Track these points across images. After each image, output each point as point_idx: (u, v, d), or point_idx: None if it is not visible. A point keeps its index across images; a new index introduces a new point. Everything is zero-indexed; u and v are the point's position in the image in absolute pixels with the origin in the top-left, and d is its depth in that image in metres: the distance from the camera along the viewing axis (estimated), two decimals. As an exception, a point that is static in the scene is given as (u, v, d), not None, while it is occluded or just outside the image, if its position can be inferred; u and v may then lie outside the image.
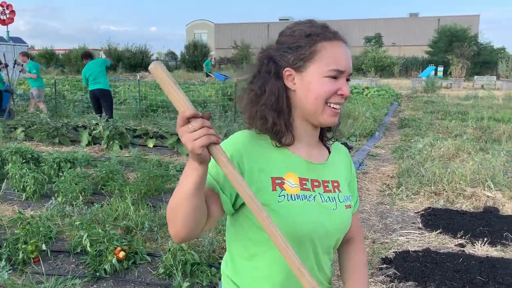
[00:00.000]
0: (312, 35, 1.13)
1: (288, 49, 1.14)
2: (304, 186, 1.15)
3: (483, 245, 3.92)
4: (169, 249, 3.34)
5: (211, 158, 0.96)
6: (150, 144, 7.98)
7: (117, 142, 7.70)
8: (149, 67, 0.93)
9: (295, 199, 1.12)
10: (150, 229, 4.04)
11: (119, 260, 3.32)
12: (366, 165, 6.78)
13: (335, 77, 1.12)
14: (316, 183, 1.18)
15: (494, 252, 3.81)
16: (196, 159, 0.94)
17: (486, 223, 4.39)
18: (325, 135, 1.28)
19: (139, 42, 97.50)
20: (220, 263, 3.39)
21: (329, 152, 1.28)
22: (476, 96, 18.19)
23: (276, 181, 1.13)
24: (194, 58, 43.65)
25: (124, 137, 7.89)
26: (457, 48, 34.06)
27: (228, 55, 45.77)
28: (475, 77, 27.69)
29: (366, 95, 17.74)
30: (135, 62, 41.64)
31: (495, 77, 27.54)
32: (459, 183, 5.39)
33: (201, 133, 0.90)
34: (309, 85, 1.12)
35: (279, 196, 1.11)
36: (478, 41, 39.72)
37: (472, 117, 11.07)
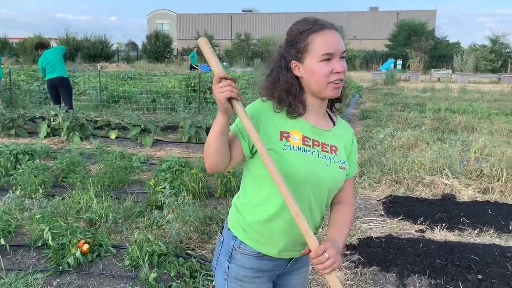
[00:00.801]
0: (304, 31, 1.43)
1: (291, 46, 1.47)
2: (306, 142, 1.47)
3: (442, 230, 4.08)
4: (135, 241, 3.29)
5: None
6: (113, 135, 7.80)
7: (77, 133, 7.48)
8: (198, 41, 1.42)
9: (296, 150, 1.44)
10: (114, 221, 3.96)
11: (83, 253, 3.24)
12: (330, 155, 6.89)
13: (328, 59, 1.41)
14: (316, 143, 1.49)
15: (451, 236, 3.98)
16: (222, 109, 1.33)
17: (444, 209, 4.57)
18: (334, 106, 1.61)
19: (99, 32, 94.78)
20: (187, 253, 3.38)
21: (334, 124, 1.58)
22: (433, 88, 18.82)
23: (284, 134, 1.45)
24: (156, 48, 42.76)
25: (85, 128, 7.67)
26: (415, 42, 35.02)
27: (191, 46, 45.18)
28: (432, 70, 28.62)
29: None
30: (94, 52, 40.42)
31: (450, 70, 28.56)
32: (419, 171, 5.59)
33: (227, 89, 1.31)
34: (310, 71, 1.43)
35: (284, 145, 1.44)
36: (435, 35, 41.00)
37: (430, 108, 11.45)
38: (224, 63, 34.16)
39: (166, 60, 42.13)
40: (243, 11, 57.78)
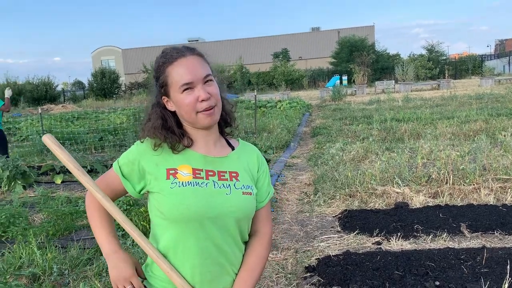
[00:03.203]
0: (161, 65, 1.38)
1: (156, 82, 1.40)
2: (197, 175, 1.37)
3: (398, 240, 4.10)
4: (81, 292, 3.06)
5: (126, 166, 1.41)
6: (58, 180, 7.44)
7: (19, 182, 7.07)
8: (42, 138, 1.40)
9: (186, 186, 1.34)
10: (60, 273, 3.70)
11: (24, 314, 2.98)
12: (284, 176, 6.88)
13: (190, 88, 1.33)
14: (210, 173, 1.39)
15: (408, 245, 4.00)
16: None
17: (398, 218, 4.61)
18: (223, 130, 1.51)
19: (42, 73, 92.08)
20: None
21: (233, 149, 1.48)
22: (378, 100, 19.48)
23: (170, 171, 1.36)
24: (102, 85, 41.99)
25: (27, 176, 7.27)
26: (357, 57, 36.40)
27: (139, 80, 44.69)
28: (376, 82, 29.74)
29: (279, 108, 18.22)
30: (38, 95, 39.14)
31: (393, 81, 29.78)
32: (370, 183, 5.65)
33: None
34: (177, 104, 1.37)
35: (171, 183, 1.34)
36: (376, 49, 42.78)
37: (377, 120, 11.77)
38: None
39: (114, 96, 41.44)
40: (188, 41, 58.05)
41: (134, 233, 1.35)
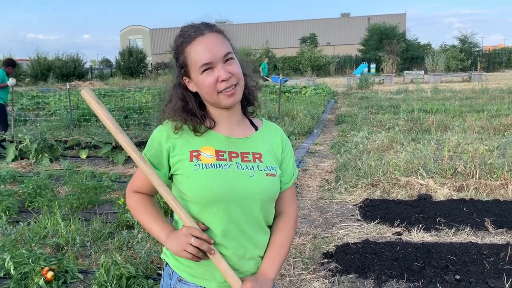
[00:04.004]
0: (179, 45, 1.33)
1: (176, 62, 1.37)
2: (220, 157, 1.34)
3: (419, 232, 4.04)
4: (102, 264, 3.13)
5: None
6: (83, 155, 7.59)
7: (46, 155, 7.24)
8: (81, 92, 1.35)
9: (209, 168, 1.31)
10: (82, 244, 3.80)
11: (48, 281, 3.07)
12: (306, 162, 6.85)
13: (210, 68, 1.29)
14: (234, 154, 1.36)
15: (429, 237, 3.94)
16: (177, 254, 1.30)
17: (421, 210, 4.54)
18: (246, 110, 1.46)
19: (71, 50, 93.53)
20: (158, 274, 3.25)
21: (257, 129, 1.45)
22: (406, 90, 19.08)
23: (193, 153, 1.33)
24: (129, 64, 42.40)
25: (54, 149, 7.44)
26: (387, 45, 35.64)
27: (165, 60, 44.93)
28: (405, 72, 29.07)
29: (304, 94, 18.06)
30: (67, 71, 39.80)
31: (423, 71, 29.07)
32: (394, 173, 5.57)
33: (196, 250, 1.26)
34: (198, 85, 1.33)
35: (194, 165, 1.31)
36: (406, 38, 41.78)
37: (404, 110, 11.56)
38: None
39: (140, 75, 41.81)
40: (216, 22, 57.78)
41: (169, 197, 1.31)
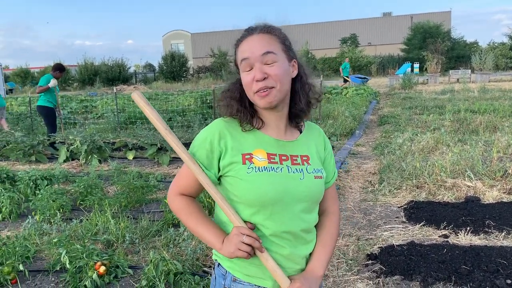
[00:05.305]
0: (234, 44, 1.38)
1: (235, 61, 1.40)
2: (272, 160, 1.35)
3: (466, 235, 3.93)
4: (151, 260, 3.26)
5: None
6: (130, 156, 7.86)
7: (95, 156, 7.56)
8: (132, 95, 1.39)
9: (262, 171, 1.32)
10: (131, 241, 3.95)
11: (100, 275, 3.22)
12: (348, 164, 6.79)
13: (251, 68, 1.31)
14: (284, 157, 1.37)
15: (477, 240, 3.83)
16: (228, 256, 1.32)
17: (468, 212, 4.41)
18: (293, 120, 1.44)
19: (116, 56, 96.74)
20: (204, 271, 3.34)
21: (300, 132, 1.46)
22: (452, 90, 18.47)
23: (246, 156, 1.33)
24: (172, 68, 43.44)
25: (102, 151, 7.75)
26: (431, 44, 34.70)
27: (206, 64, 45.64)
28: (450, 71, 28.15)
29: (345, 95, 17.86)
30: (112, 76, 41.28)
31: (469, 70, 28.05)
32: (440, 175, 5.43)
33: (248, 248, 1.28)
34: (242, 83, 1.35)
35: (248, 168, 1.32)
36: (451, 36, 40.48)
37: (449, 110, 11.21)
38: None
39: (182, 79, 42.68)
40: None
41: (218, 197, 1.33)
